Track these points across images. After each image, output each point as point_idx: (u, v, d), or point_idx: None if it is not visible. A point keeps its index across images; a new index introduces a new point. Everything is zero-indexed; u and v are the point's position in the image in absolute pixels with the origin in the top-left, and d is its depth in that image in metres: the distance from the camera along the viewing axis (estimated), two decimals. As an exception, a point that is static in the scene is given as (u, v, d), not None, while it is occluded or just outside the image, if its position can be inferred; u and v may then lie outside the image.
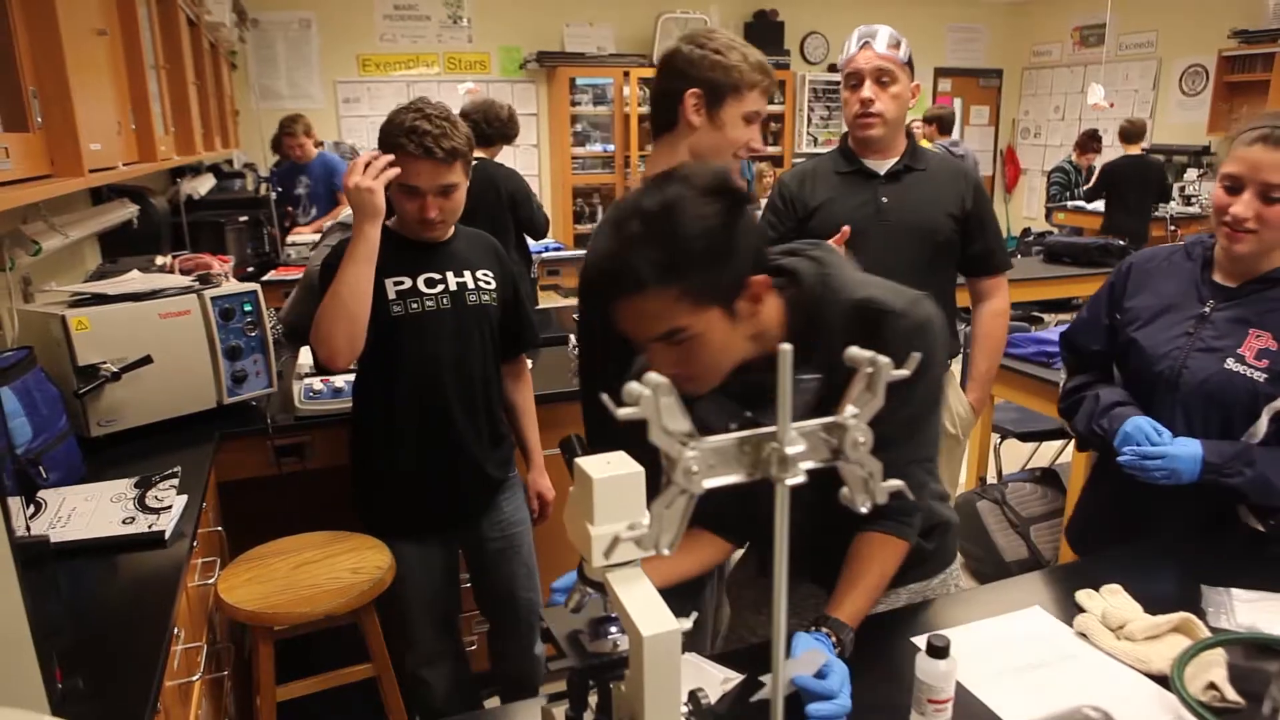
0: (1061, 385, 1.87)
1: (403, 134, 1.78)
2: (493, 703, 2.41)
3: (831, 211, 2.19)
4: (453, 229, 1.99)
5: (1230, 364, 1.52)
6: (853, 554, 1.26)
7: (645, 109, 7.36)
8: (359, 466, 2.08)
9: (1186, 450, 1.51)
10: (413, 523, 2.03)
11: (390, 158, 1.80)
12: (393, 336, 1.90)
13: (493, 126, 3.74)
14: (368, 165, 1.78)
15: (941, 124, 6.42)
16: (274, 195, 4.55)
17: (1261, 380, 1.50)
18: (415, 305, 1.91)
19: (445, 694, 2.14)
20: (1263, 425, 1.52)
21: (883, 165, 2.21)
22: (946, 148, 6.41)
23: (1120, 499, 1.68)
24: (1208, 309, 1.58)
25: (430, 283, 1.94)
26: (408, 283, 1.92)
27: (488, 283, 2.01)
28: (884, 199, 2.19)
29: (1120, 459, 1.56)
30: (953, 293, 2.32)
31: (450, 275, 1.96)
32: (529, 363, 2.27)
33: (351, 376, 2.33)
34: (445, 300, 1.94)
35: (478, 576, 2.20)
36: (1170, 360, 1.58)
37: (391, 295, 1.90)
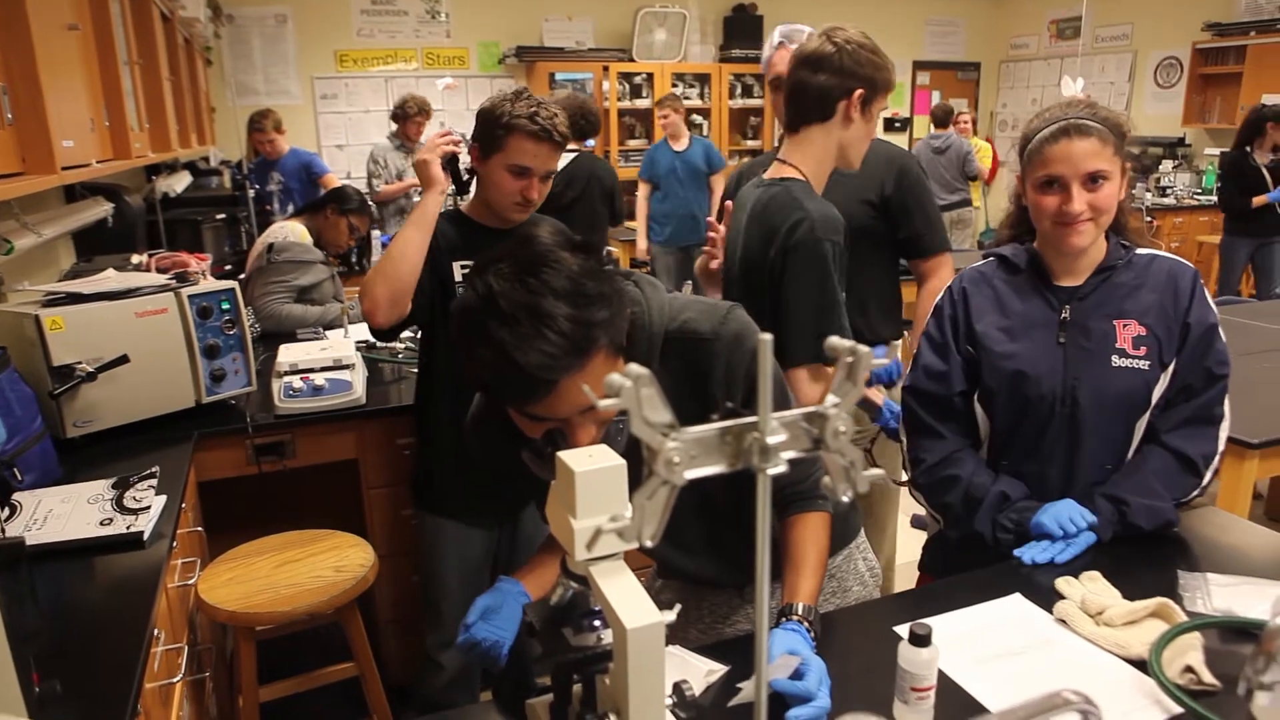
0: (905, 450, 1.66)
1: (525, 116, 1.83)
2: (485, 696, 2.40)
3: None
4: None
5: (1116, 361, 1.49)
6: (788, 541, 1.28)
7: (625, 103, 7.35)
8: (420, 441, 2.14)
9: (1085, 538, 1.48)
10: (464, 504, 2.05)
11: (454, 136, 1.89)
12: None
13: (588, 120, 3.90)
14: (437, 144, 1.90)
15: (935, 119, 6.63)
16: (253, 192, 4.51)
17: (1147, 367, 1.49)
18: None
19: (451, 680, 2.14)
20: (1144, 422, 1.52)
21: None
22: (928, 140, 6.56)
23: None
24: (1066, 314, 1.53)
25: None
26: None
27: None
28: None
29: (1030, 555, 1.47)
30: (893, 277, 2.37)
31: None
32: None
33: (332, 374, 2.33)
34: None
35: (502, 566, 2.20)
36: (1054, 376, 1.51)
37: (458, 277, 1.94)
